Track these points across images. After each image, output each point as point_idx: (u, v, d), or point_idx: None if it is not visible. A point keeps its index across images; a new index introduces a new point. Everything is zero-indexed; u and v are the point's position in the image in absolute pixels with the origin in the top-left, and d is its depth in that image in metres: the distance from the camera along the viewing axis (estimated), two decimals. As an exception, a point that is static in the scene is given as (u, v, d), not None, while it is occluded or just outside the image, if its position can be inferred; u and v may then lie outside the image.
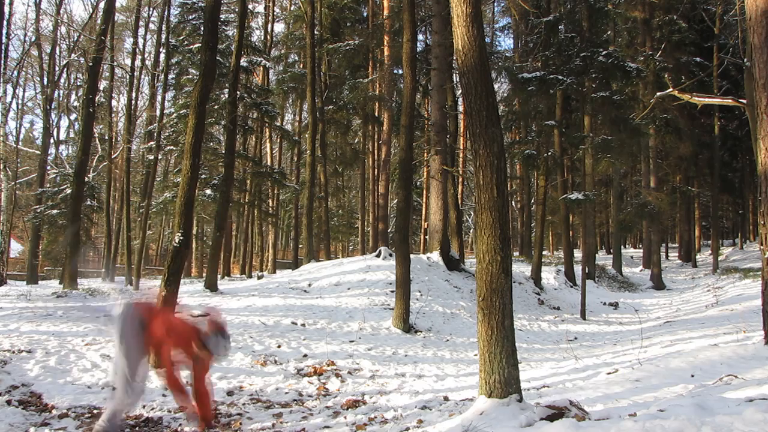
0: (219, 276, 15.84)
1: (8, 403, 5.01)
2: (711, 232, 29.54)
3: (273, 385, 6.22)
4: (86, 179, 18.24)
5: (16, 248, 35.79)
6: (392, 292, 10.78)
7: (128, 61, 25.01)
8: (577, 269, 18.16)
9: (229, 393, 5.90)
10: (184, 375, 4.57)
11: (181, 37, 22.42)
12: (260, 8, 28.52)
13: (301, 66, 25.29)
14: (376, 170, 24.26)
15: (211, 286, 12.37)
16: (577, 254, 22.62)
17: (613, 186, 25.04)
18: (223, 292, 12.01)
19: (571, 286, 17.46)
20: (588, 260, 17.15)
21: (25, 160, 31.87)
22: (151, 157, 21.86)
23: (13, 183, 20.80)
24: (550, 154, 16.63)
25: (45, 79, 24.55)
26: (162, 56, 23.43)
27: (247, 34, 21.82)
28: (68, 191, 19.99)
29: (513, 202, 34.15)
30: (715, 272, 22.93)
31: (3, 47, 15.88)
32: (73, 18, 34.48)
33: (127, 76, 24.07)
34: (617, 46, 20.41)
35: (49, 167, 25.34)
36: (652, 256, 22.72)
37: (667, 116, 21.25)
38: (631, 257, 30.91)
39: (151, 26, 28.24)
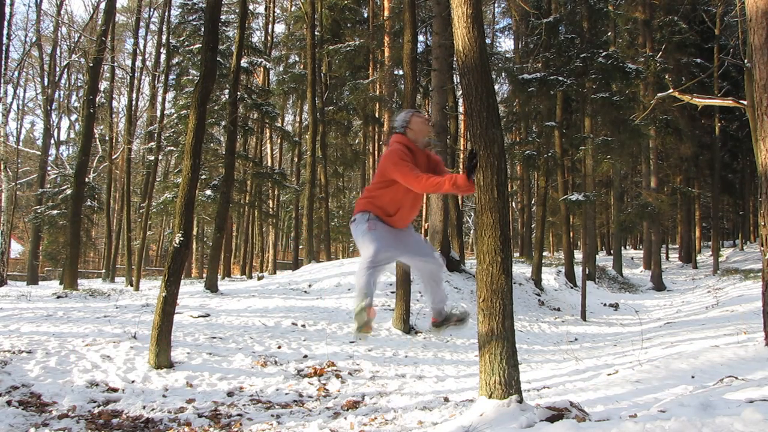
0: (219, 277, 15.84)
1: (8, 403, 5.01)
2: (711, 233, 29.51)
3: (273, 386, 6.21)
4: (86, 180, 18.28)
5: (16, 249, 35.78)
6: (392, 293, 10.77)
7: (129, 62, 25.03)
8: (578, 270, 18.14)
9: (230, 394, 5.90)
10: None
11: (182, 38, 22.44)
12: (261, 9, 28.61)
13: (302, 67, 25.30)
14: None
15: (212, 287, 12.36)
16: (578, 255, 22.60)
17: (613, 187, 25.03)
18: (224, 293, 12.00)
19: (572, 287, 17.43)
20: (588, 261, 17.14)
21: (25, 160, 31.90)
22: (152, 158, 21.87)
23: (13, 184, 20.80)
24: (550, 155, 16.62)
25: (46, 80, 24.59)
26: (162, 57, 23.47)
27: (248, 34, 21.85)
28: (68, 192, 20.02)
29: (513, 203, 34.14)
30: (715, 273, 22.92)
31: (4, 48, 15.89)
32: (74, 19, 34.58)
33: (128, 77, 24.09)
34: (618, 47, 20.40)
35: (49, 168, 25.38)
36: (652, 257, 22.72)
37: (668, 117, 21.23)
38: (632, 258, 30.90)
39: (152, 27, 28.34)
